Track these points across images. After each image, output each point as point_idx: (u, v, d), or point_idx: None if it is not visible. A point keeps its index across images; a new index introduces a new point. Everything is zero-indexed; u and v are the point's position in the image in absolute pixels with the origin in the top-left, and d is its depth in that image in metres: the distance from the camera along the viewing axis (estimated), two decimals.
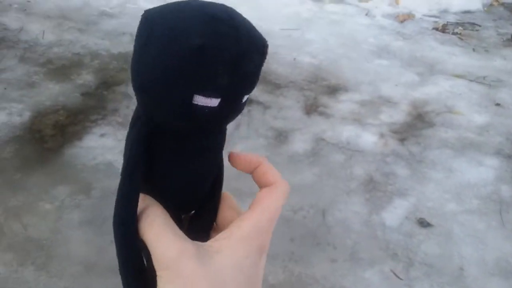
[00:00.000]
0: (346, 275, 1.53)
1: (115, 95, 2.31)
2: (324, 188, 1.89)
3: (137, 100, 0.32)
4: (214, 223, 0.37)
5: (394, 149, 2.13)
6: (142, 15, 0.30)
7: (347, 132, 2.22)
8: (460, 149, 2.16)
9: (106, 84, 2.38)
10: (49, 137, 2.01)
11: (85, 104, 2.23)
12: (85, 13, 3.00)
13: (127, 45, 2.69)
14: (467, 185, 1.95)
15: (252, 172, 0.36)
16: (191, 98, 0.29)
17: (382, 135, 2.22)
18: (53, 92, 2.27)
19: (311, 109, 2.38)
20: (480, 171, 2.02)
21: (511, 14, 3.65)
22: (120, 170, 0.33)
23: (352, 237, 1.67)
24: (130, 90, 2.26)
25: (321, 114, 2.34)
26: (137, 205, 0.32)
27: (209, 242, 0.31)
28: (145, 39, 0.29)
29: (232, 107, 0.31)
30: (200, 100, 0.29)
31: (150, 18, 0.29)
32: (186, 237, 0.31)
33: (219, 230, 0.36)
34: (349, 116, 2.35)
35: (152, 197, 0.34)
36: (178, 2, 0.30)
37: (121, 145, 0.34)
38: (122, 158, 0.33)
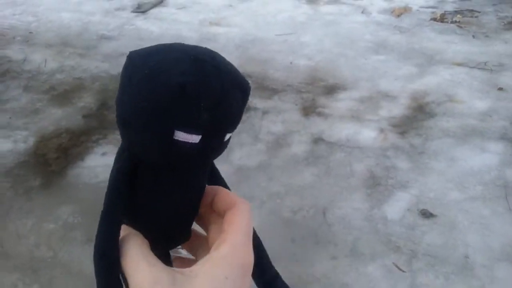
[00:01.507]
0: (347, 271, 1.51)
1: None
2: (324, 187, 1.88)
3: (121, 135, 0.33)
4: None
5: (394, 143, 2.11)
6: (127, 56, 0.32)
7: (346, 130, 2.21)
8: (463, 137, 2.12)
9: (107, 104, 2.44)
10: (52, 160, 2.07)
11: (87, 125, 2.29)
12: (85, 38, 3.10)
13: None
14: (471, 172, 1.90)
15: (211, 202, 0.37)
16: (172, 133, 0.30)
17: (381, 130, 2.20)
18: (56, 117, 2.34)
19: (309, 110, 2.38)
20: (484, 157, 1.98)
21: None
22: None
23: (353, 233, 1.66)
24: None
25: (320, 114, 2.34)
26: (118, 238, 0.32)
27: (189, 268, 0.32)
28: (128, 78, 0.31)
29: (214, 144, 0.32)
30: (181, 136, 0.30)
31: (134, 59, 0.31)
32: (162, 265, 0.31)
33: None
34: (348, 114, 2.34)
35: (138, 230, 0.34)
36: (162, 44, 0.32)
37: None
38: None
